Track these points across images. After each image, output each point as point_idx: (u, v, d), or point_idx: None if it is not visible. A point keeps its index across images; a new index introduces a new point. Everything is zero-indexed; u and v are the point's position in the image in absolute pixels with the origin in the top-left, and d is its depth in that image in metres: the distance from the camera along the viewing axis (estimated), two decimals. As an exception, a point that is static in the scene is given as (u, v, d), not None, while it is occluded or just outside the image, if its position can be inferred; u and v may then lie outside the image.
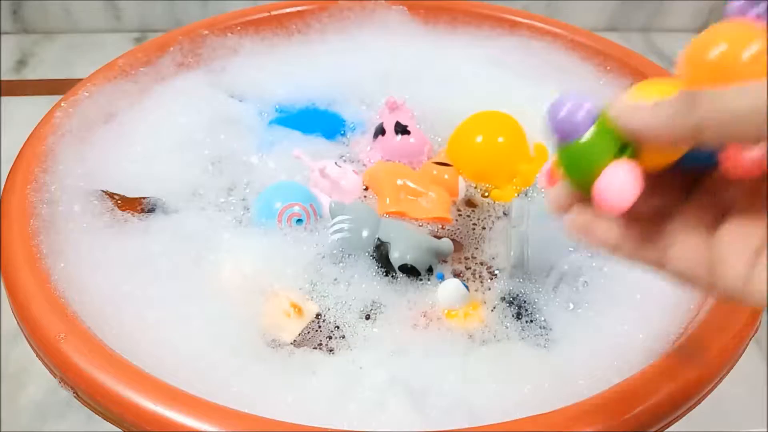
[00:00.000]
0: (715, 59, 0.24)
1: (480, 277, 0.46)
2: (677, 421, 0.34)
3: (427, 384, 0.38)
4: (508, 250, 0.46)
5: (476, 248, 0.48)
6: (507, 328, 0.42)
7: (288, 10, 0.66)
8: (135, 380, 0.33)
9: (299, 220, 0.47)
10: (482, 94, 0.58)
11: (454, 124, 0.54)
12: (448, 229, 0.49)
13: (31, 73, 1.00)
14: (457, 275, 0.45)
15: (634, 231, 0.27)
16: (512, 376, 0.38)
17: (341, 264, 0.45)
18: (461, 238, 0.49)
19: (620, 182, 0.24)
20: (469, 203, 0.52)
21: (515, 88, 0.60)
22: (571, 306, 0.43)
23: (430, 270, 0.44)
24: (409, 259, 0.44)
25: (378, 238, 0.45)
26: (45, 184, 0.46)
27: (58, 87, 0.85)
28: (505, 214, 0.50)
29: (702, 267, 0.26)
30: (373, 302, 0.43)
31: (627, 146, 0.24)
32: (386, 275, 0.44)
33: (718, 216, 0.26)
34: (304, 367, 0.39)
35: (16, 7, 1.05)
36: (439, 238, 0.46)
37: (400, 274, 0.44)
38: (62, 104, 0.52)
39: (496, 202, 0.51)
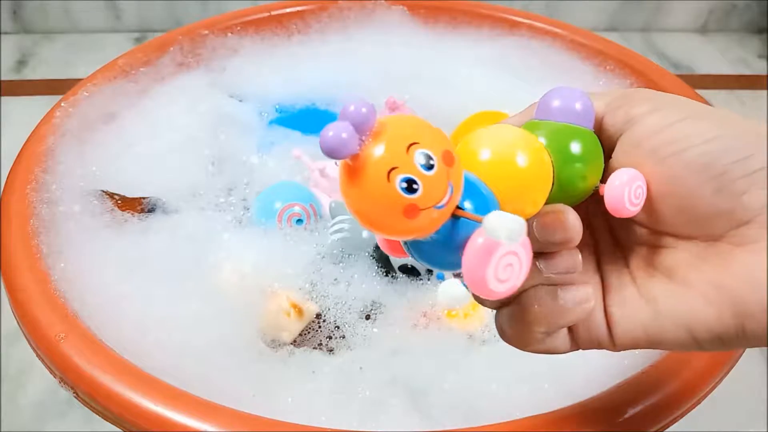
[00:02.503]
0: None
1: (480, 277, 0.46)
2: (677, 421, 0.34)
3: (427, 384, 0.38)
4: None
5: (476, 248, 0.47)
6: (507, 328, 0.42)
7: (288, 10, 0.66)
8: (135, 380, 0.33)
9: (299, 220, 0.47)
10: (482, 94, 0.58)
11: (454, 124, 0.54)
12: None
13: (31, 73, 1.00)
14: (457, 275, 0.45)
15: None
16: (512, 376, 0.38)
17: (341, 264, 0.45)
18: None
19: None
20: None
21: (515, 88, 0.60)
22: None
23: (430, 270, 0.44)
24: (409, 259, 0.44)
25: (378, 238, 0.45)
26: (45, 184, 0.46)
27: (58, 87, 0.85)
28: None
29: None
30: (373, 302, 0.43)
31: None
32: (386, 275, 0.44)
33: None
34: (304, 367, 0.39)
35: (16, 7, 1.05)
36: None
37: (400, 274, 0.44)
38: (62, 104, 0.52)
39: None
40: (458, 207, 0.22)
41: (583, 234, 0.26)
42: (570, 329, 0.26)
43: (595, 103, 0.25)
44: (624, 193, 0.23)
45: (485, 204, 0.22)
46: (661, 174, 0.23)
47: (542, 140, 0.24)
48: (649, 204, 0.24)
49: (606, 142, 0.25)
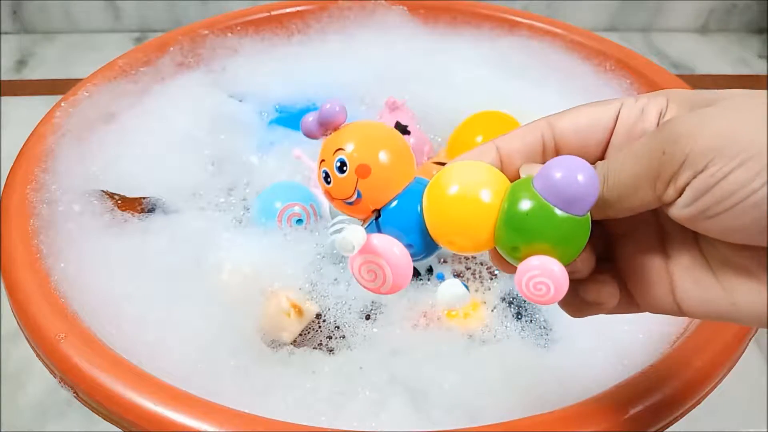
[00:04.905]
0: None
1: (480, 277, 0.46)
2: (677, 421, 0.34)
3: (427, 384, 0.38)
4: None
5: (476, 248, 0.47)
6: (507, 328, 0.42)
7: (288, 10, 0.66)
8: (135, 380, 0.33)
9: (299, 220, 0.47)
10: (482, 94, 0.58)
11: (454, 124, 0.54)
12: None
13: (31, 73, 1.00)
14: (457, 275, 0.45)
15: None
16: (512, 376, 0.38)
17: (341, 264, 0.45)
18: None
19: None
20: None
21: (515, 89, 0.60)
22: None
23: (430, 270, 0.44)
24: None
25: (378, 238, 0.45)
26: (45, 184, 0.46)
27: (58, 87, 0.85)
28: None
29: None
30: (373, 302, 0.43)
31: None
32: (386, 275, 0.44)
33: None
34: (304, 367, 0.39)
35: (16, 7, 1.05)
36: (439, 238, 0.46)
37: (400, 274, 0.44)
38: (62, 104, 0.52)
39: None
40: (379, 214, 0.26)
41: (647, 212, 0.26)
42: (627, 294, 0.26)
43: (645, 194, 0.23)
44: (522, 281, 0.23)
45: (405, 225, 0.26)
46: (714, 227, 0.22)
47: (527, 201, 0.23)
48: (710, 236, 0.23)
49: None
